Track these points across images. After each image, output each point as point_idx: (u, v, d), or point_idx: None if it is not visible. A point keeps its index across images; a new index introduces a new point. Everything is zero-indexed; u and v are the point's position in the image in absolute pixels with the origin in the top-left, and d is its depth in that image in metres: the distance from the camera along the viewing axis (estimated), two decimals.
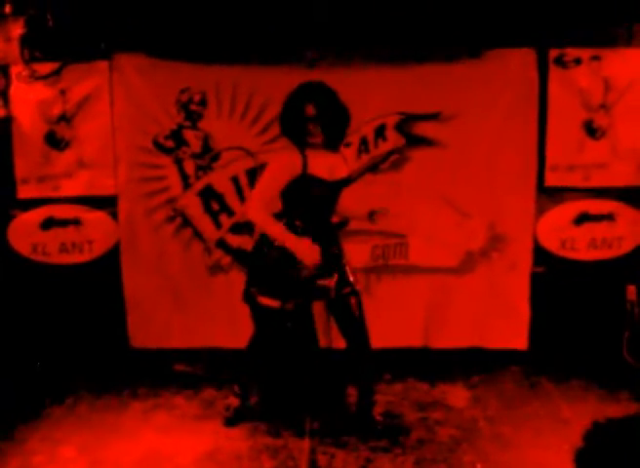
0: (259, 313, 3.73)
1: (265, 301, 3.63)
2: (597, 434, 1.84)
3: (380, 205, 4.63)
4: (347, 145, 4.69)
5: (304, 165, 3.50)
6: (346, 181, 3.78)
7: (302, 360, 4.17)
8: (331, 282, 3.65)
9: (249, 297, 3.71)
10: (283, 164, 3.56)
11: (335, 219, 3.95)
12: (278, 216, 3.61)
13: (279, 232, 3.53)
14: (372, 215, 3.92)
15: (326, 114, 3.51)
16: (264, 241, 3.61)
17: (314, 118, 3.49)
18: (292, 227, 3.57)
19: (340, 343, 4.06)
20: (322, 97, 3.54)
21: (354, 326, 3.79)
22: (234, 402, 4.04)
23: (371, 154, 4.74)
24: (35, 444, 3.78)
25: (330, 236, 3.76)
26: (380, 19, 4.52)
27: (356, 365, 3.91)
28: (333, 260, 3.69)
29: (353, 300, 3.75)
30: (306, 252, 3.49)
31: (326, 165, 3.58)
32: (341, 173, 3.69)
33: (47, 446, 3.76)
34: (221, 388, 4.45)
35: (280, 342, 3.86)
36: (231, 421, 3.99)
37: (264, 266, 3.62)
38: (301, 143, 3.55)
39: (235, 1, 4.51)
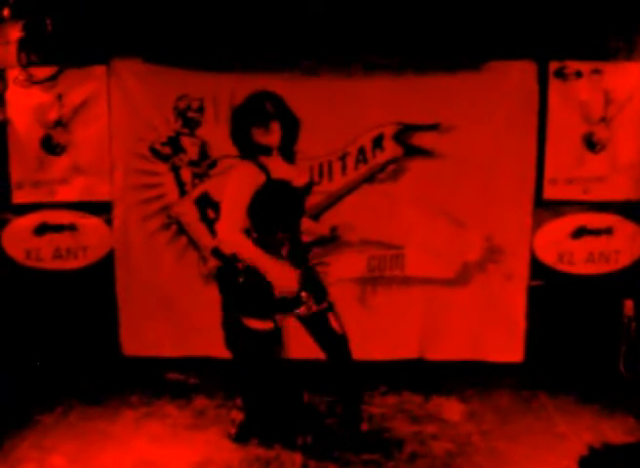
0: (247, 338, 3.58)
1: (256, 324, 3.51)
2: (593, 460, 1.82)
3: (377, 215, 4.65)
4: (345, 155, 4.69)
5: (266, 172, 3.38)
6: (309, 188, 3.74)
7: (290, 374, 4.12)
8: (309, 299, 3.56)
9: (233, 325, 3.59)
10: (245, 175, 3.41)
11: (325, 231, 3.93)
12: (246, 233, 3.48)
13: (256, 256, 3.38)
14: (334, 231, 3.87)
15: (283, 113, 3.46)
16: (234, 259, 3.49)
17: (273, 115, 3.41)
18: (262, 242, 3.43)
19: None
20: (277, 99, 3.51)
21: (333, 339, 3.69)
22: (238, 416, 3.96)
23: (369, 164, 4.72)
24: (24, 452, 3.73)
25: (302, 250, 3.68)
26: (379, 29, 4.52)
27: (338, 378, 3.83)
28: (308, 277, 3.60)
29: (331, 314, 3.67)
30: (282, 277, 3.38)
31: (285, 171, 3.49)
32: (302, 179, 3.65)
33: (36, 454, 3.71)
34: (214, 397, 4.42)
35: (271, 359, 3.79)
36: (239, 436, 3.89)
37: (247, 287, 3.47)
38: (252, 149, 3.45)
39: (233, 8, 4.50)
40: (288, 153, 3.60)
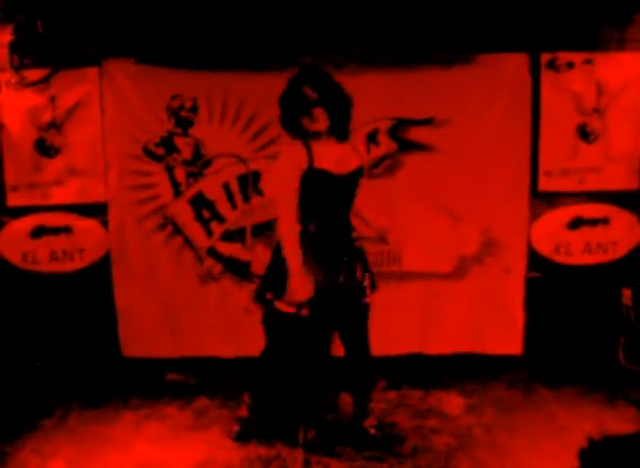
0: (272, 318, 3.61)
1: (281, 306, 3.50)
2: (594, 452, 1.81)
3: (373, 210, 4.64)
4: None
5: (310, 158, 3.33)
6: (359, 173, 3.55)
7: (309, 369, 4.10)
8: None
9: (262, 300, 3.60)
10: (288, 157, 3.37)
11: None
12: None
13: (293, 261, 3.34)
14: (383, 235, 3.88)
15: (327, 96, 3.34)
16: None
17: (315, 101, 3.32)
18: (304, 229, 3.40)
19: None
20: (319, 79, 3.39)
21: (360, 337, 3.74)
22: (245, 413, 3.93)
23: (363, 160, 4.71)
24: (25, 456, 3.72)
25: (347, 239, 3.60)
26: (371, 25, 4.50)
27: (355, 375, 3.86)
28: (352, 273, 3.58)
29: (364, 311, 3.70)
30: (298, 283, 3.35)
31: (333, 157, 3.40)
32: (352, 164, 3.50)
33: (37, 458, 3.69)
34: (214, 398, 4.41)
35: (290, 349, 3.76)
36: (244, 434, 3.87)
37: (283, 270, 3.44)
38: (303, 134, 3.38)
39: (226, 7, 4.48)
40: (341, 132, 3.50)
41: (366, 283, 3.67)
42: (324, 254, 3.46)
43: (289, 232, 3.35)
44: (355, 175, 3.53)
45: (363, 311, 3.71)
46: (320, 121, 3.36)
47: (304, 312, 3.48)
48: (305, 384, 4.22)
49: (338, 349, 3.89)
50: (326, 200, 3.46)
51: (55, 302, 4.84)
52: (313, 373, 4.17)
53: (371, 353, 3.79)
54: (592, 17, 4.53)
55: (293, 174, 3.34)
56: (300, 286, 3.36)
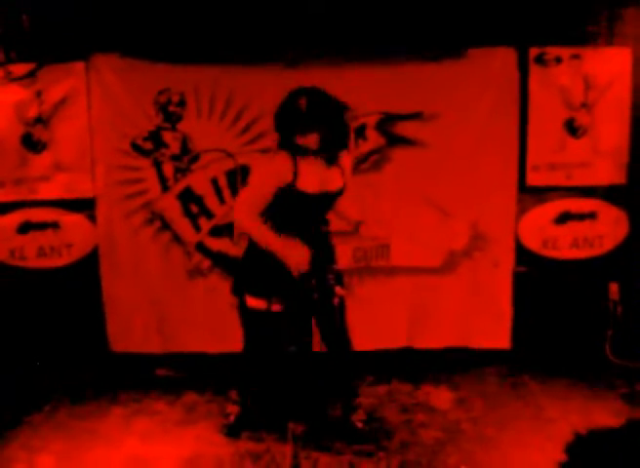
0: (245, 313, 3.67)
1: (252, 302, 3.58)
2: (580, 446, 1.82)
3: (361, 205, 4.64)
4: None
5: (294, 176, 3.39)
6: (340, 193, 3.63)
7: (288, 364, 4.12)
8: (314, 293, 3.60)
9: (238, 293, 3.66)
10: (274, 169, 3.44)
11: None
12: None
13: (267, 237, 3.43)
14: (357, 226, 3.87)
15: (320, 112, 3.37)
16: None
17: (307, 114, 3.34)
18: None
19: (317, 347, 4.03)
20: (316, 95, 3.40)
21: (339, 332, 3.75)
22: (233, 409, 3.96)
23: (351, 155, 4.69)
24: (13, 451, 3.71)
25: (321, 244, 3.67)
26: (360, 19, 4.50)
27: (337, 371, 3.87)
28: (321, 266, 3.62)
29: (340, 307, 3.71)
30: (294, 255, 3.42)
31: (318, 176, 3.46)
32: (335, 185, 3.57)
33: (25, 454, 3.69)
34: (203, 393, 4.41)
35: (267, 345, 3.79)
36: (234, 430, 3.90)
37: (254, 266, 3.56)
38: (294, 149, 3.42)
39: (213, 1, 4.46)
40: (331, 155, 3.54)
41: (332, 280, 3.70)
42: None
43: (253, 224, 3.44)
44: (336, 195, 3.62)
45: (336, 307, 3.70)
46: (312, 139, 3.40)
47: (275, 308, 3.54)
48: (289, 379, 4.24)
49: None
50: (302, 215, 3.56)
51: (43, 298, 4.82)
52: (296, 369, 4.19)
53: (351, 348, 3.79)
54: (580, 11, 4.55)
55: (271, 183, 3.42)
56: (295, 254, 3.43)
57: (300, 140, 3.39)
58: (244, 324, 3.77)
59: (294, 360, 4.03)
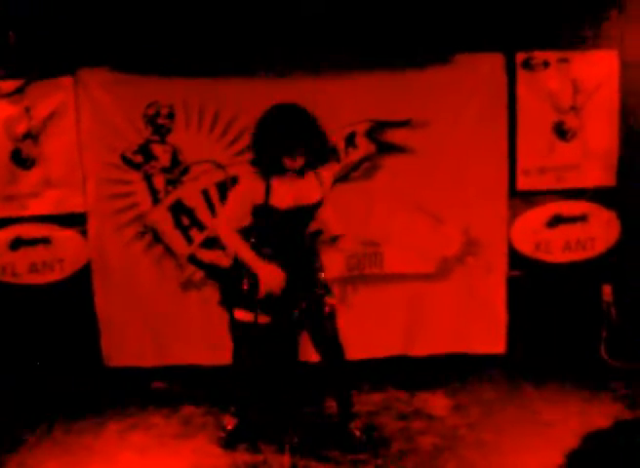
0: (234, 325, 3.70)
1: (239, 314, 3.60)
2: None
3: (353, 213, 4.64)
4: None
5: (267, 194, 3.46)
6: (318, 205, 3.67)
7: (281, 374, 4.12)
8: (302, 303, 3.63)
9: (227, 306, 3.70)
10: (246, 190, 3.53)
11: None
12: (247, 232, 3.60)
13: (246, 254, 3.51)
14: (333, 240, 3.92)
15: (310, 138, 3.43)
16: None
17: (300, 143, 3.39)
18: (259, 252, 3.54)
19: (312, 357, 4.06)
20: (301, 118, 3.44)
21: (331, 341, 3.74)
22: (230, 421, 3.96)
23: (342, 163, 4.71)
24: None
25: (304, 256, 3.70)
26: (347, 28, 4.50)
27: (332, 379, 3.87)
28: (305, 280, 3.65)
29: (330, 316, 3.71)
30: (269, 278, 3.46)
31: (292, 193, 3.51)
32: (313, 197, 3.60)
33: None
34: (200, 405, 4.39)
35: (258, 357, 3.79)
36: (230, 442, 3.89)
37: (240, 278, 3.58)
38: (270, 171, 3.47)
39: (199, 14, 4.46)
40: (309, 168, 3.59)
41: (321, 291, 3.71)
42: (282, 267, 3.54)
43: (230, 238, 3.53)
44: (314, 207, 3.65)
45: (326, 316, 3.70)
46: (299, 161, 3.46)
47: (263, 320, 3.55)
48: (282, 390, 4.23)
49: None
50: (281, 229, 3.60)
51: (36, 314, 4.79)
52: (286, 379, 4.19)
53: (345, 356, 3.78)
54: (567, 15, 4.56)
55: (245, 202, 3.53)
56: (270, 277, 3.46)
57: (289, 163, 3.43)
58: (232, 336, 3.81)
59: (283, 370, 4.03)
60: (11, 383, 4.70)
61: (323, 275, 3.77)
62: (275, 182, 3.47)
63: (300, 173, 3.53)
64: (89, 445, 3.96)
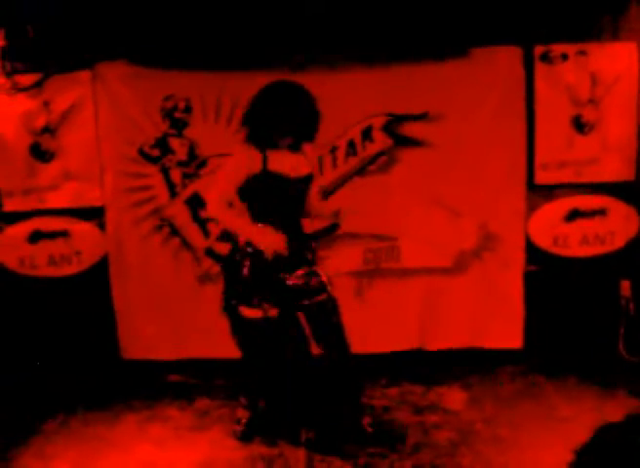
0: (241, 325, 3.67)
1: (248, 312, 3.57)
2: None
3: (370, 207, 4.63)
4: (335, 149, 4.67)
5: (264, 162, 3.46)
6: (310, 179, 3.69)
7: (293, 368, 4.10)
8: (299, 280, 3.60)
9: (229, 309, 3.66)
10: (241, 161, 3.51)
11: (322, 223, 3.91)
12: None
13: (241, 224, 3.52)
14: (337, 214, 3.87)
15: (300, 113, 3.49)
16: (236, 249, 3.60)
17: (289, 119, 3.46)
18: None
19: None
20: (296, 96, 3.51)
21: (330, 333, 3.69)
22: (244, 414, 3.95)
23: (359, 156, 4.70)
24: (27, 460, 3.71)
25: (300, 237, 3.68)
26: (365, 21, 4.49)
27: (334, 373, 3.81)
28: (301, 258, 3.63)
29: (329, 307, 3.66)
30: (268, 238, 3.45)
31: (287, 163, 3.54)
32: (303, 171, 3.64)
33: (39, 462, 3.69)
34: (215, 398, 4.42)
35: (269, 352, 3.78)
36: (246, 435, 3.89)
37: (241, 276, 3.56)
38: (264, 144, 3.50)
39: (217, 7, 4.46)
40: (297, 144, 3.63)
41: (314, 281, 3.67)
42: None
43: (223, 213, 3.51)
44: (306, 181, 3.67)
45: (326, 308, 3.67)
46: (286, 136, 3.52)
47: (272, 313, 3.55)
48: (297, 384, 4.22)
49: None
50: (277, 200, 3.57)
51: (54, 306, 4.83)
52: (301, 373, 4.18)
53: (348, 351, 3.72)
54: (585, 7, 4.52)
55: (240, 171, 3.49)
56: (269, 236, 3.46)
57: (277, 137, 3.50)
58: (240, 339, 3.76)
59: (297, 364, 4.01)
60: (28, 374, 4.75)
61: (315, 268, 3.72)
62: (270, 153, 3.50)
63: (293, 147, 3.59)
64: (105, 436, 3.99)
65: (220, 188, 3.52)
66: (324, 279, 3.68)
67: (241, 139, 3.61)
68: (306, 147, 3.73)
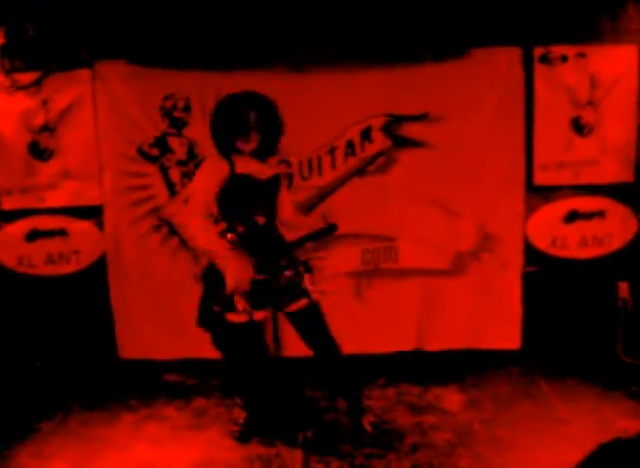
0: (225, 334, 3.62)
1: (233, 317, 3.52)
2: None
3: (369, 207, 4.63)
4: (334, 149, 4.67)
5: (232, 166, 3.46)
6: (277, 179, 3.69)
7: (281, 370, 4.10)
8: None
9: (211, 317, 3.60)
10: (210, 169, 3.50)
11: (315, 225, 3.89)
12: (216, 221, 3.53)
13: (216, 249, 3.39)
14: (326, 220, 3.86)
15: (265, 120, 3.50)
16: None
17: (254, 125, 3.46)
18: (232, 231, 3.50)
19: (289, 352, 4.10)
20: (264, 106, 3.53)
21: (317, 336, 3.72)
22: (241, 414, 3.96)
23: (358, 157, 4.70)
24: (25, 460, 3.71)
25: (274, 242, 3.66)
26: (365, 21, 4.49)
27: (330, 374, 3.85)
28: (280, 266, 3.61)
29: (312, 312, 3.67)
30: (235, 275, 3.36)
31: (253, 166, 3.54)
32: (270, 171, 3.65)
33: (37, 462, 3.69)
34: (213, 397, 4.42)
35: (256, 355, 3.72)
36: (243, 435, 3.88)
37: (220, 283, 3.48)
38: (229, 150, 3.51)
39: (216, 6, 4.46)
40: (261, 156, 3.62)
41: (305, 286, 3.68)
42: (255, 255, 3.49)
43: (201, 231, 3.40)
44: (274, 180, 3.67)
45: (310, 310, 3.68)
46: (252, 142, 3.50)
47: (258, 316, 3.53)
48: (290, 384, 4.22)
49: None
50: (248, 201, 3.55)
51: (52, 305, 4.84)
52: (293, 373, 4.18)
53: (339, 352, 3.74)
54: (585, 9, 4.53)
55: (213, 180, 3.45)
56: (236, 271, 3.37)
57: (242, 144, 3.49)
58: (224, 347, 3.72)
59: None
60: (26, 373, 4.74)
61: (290, 273, 3.66)
62: (235, 158, 3.50)
63: (255, 155, 3.56)
64: (103, 435, 3.98)
65: (200, 199, 3.43)
66: (306, 285, 3.67)
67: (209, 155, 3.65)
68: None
